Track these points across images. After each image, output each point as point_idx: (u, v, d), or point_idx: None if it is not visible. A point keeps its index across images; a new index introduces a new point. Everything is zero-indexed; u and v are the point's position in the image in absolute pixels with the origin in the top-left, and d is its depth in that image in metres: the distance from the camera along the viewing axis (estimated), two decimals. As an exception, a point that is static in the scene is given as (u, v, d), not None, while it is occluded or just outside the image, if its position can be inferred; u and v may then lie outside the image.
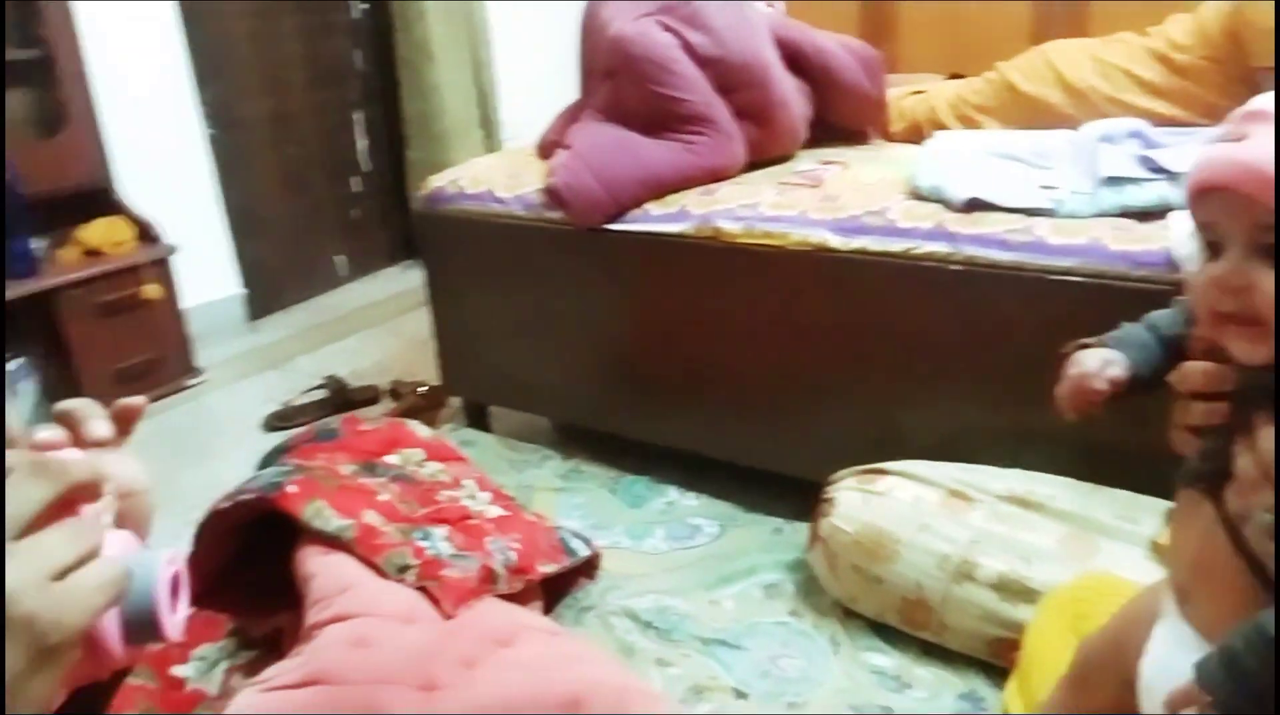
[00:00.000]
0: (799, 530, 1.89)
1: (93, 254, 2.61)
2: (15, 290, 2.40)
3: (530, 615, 1.36)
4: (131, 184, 2.75)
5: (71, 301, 2.50)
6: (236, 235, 3.21)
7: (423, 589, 1.28)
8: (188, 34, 2.97)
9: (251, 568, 1.48)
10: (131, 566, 0.50)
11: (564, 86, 2.86)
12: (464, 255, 2.22)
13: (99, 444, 0.59)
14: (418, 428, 1.79)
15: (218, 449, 2.49)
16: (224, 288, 3.18)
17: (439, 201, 2.21)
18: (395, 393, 2.65)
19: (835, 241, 1.74)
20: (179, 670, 1.41)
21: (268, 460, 1.67)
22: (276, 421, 2.58)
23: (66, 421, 0.60)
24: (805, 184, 1.92)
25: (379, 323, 3.36)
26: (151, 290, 2.63)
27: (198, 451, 2.47)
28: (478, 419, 2.43)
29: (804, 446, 1.90)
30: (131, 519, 0.62)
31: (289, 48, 3.42)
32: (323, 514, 1.34)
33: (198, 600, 1.44)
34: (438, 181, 2.22)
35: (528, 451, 2.30)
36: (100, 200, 2.67)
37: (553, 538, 1.64)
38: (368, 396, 2.71)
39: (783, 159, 2.15)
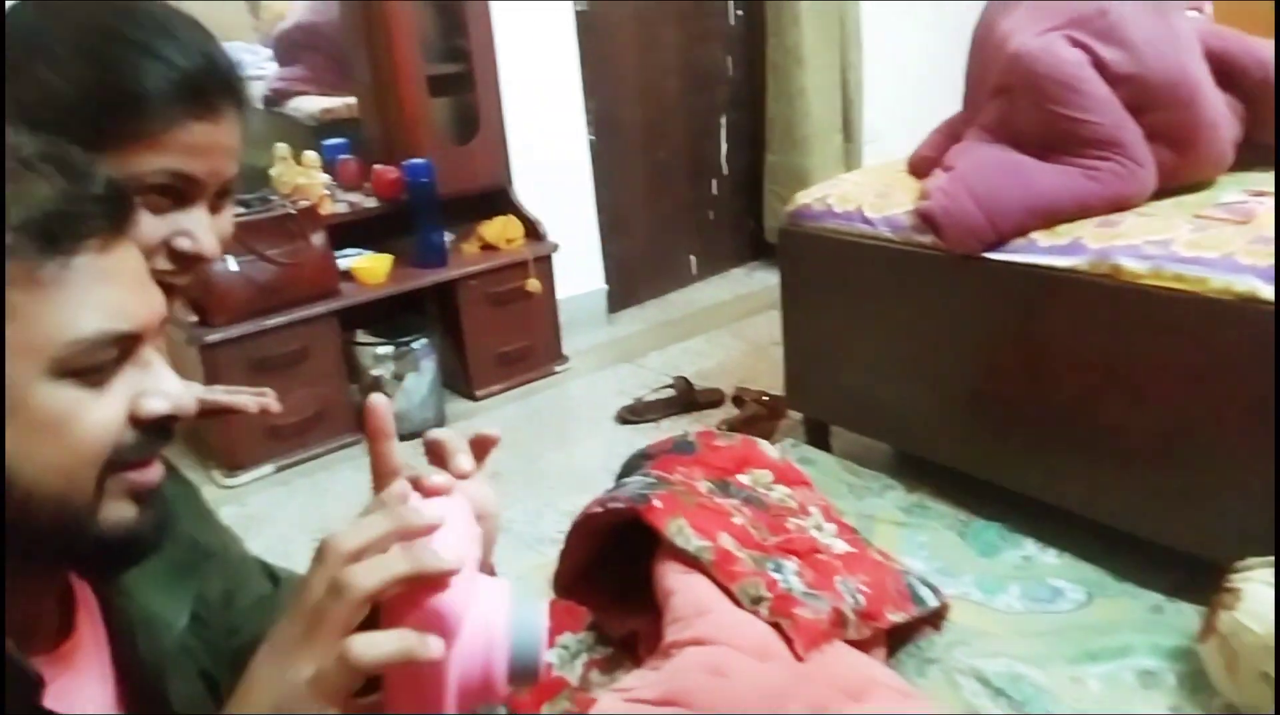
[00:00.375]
0: (1182, 612, 1.66)
1: (488, 248, 2.92)
2: (428, 278, 2.75)
3: (880, 669, 1.32)
4: (523, 186, 3.04)
5: (468, 291, 2.82)
6: (604, 234, 3.44)
7: (775, 625, 1.29)
8: (581, 45, 3.22)
9: (610, 566, 1.58)
10: (521, 617, 0.54)
11: (931, 92, 2.73)
12: (824, 272, 2.19)
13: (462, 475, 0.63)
14: (767, 449, 1.81)
15: (575, 436, 2.69)
16: (590, 282, 3.42)
17: (804, 218, 2.20)
18: (738, 400, 2.70)
19: (1267, 292, 1.50)
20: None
21: (630, 465, 1.77)
22: (628, 415, 2.74)
23: (435, 451, 0.64)
24: (1230, 219, 1.67)
25: (724, 324, 3.44)
26: (534, 284, 2.89)
27: (558, 436, 2.69)
28: (818, 437, 2.41)
29: (1195, 518, 1.66)
30: (485, 535, 0.65)
31: (667, 56, 3.59)
32: (684, 532, 1.38)
33: (564, 592, 1.57)
34: (805, 198, 2.22)
35: (868, 477, 2.23)
36: (499, 200, 2.98)
37: (900, 583, 1.57)
38: (712, 400, 2.79)
39: (1198, 186, 1.89)
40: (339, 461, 2.60)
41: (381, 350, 2.63)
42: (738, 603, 1.31)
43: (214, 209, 0.77)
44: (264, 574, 0.86)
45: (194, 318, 2.39)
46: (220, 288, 2.38)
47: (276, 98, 3.06)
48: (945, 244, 1.88)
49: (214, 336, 2.38)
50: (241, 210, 2.49)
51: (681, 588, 1.33)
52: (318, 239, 2.53)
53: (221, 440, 2.49)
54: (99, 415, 0.54)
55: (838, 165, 3.74)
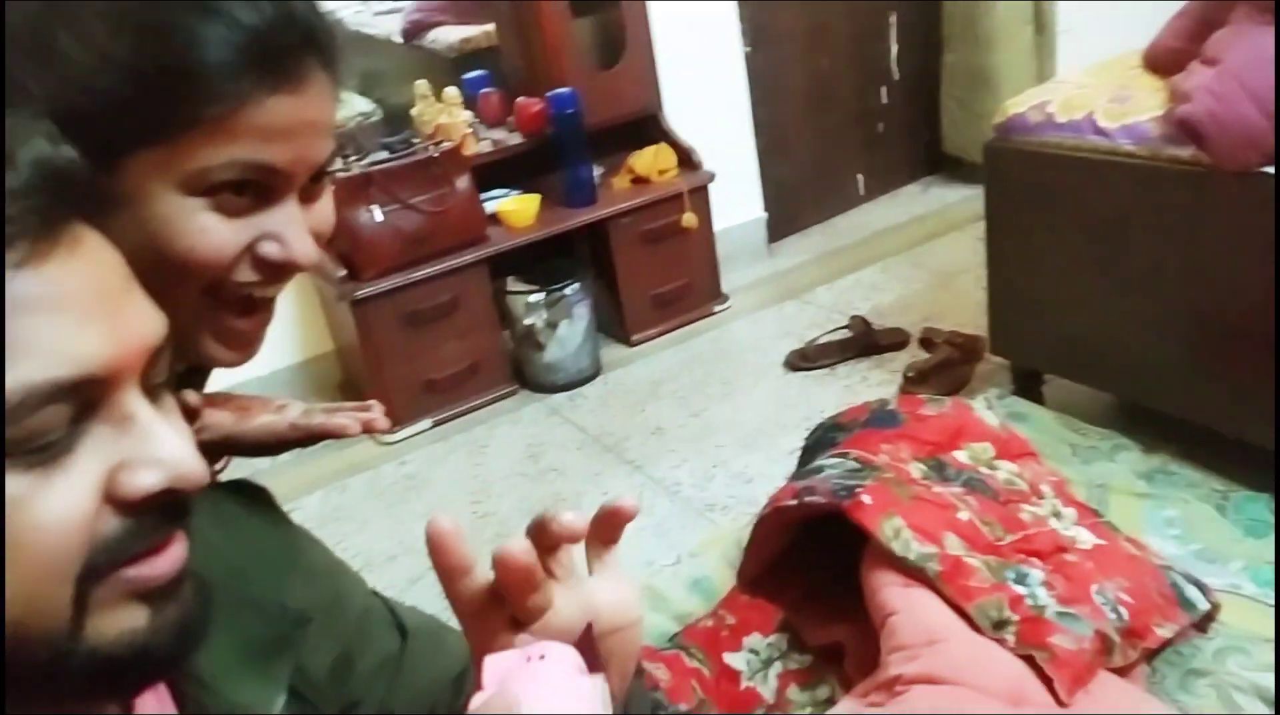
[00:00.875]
0: None
1: (639, 182, 2.69)
2: (577, 218, 2.56)
3: (1158, 708, 1.06)
4: (674, 110, 2.78)
5: (620, 229, 2.61)
6: (763, 157, 3.14)
7: (1028, 658, 1.04)
8: (733, -54, 2.89)
9: (805, 557, 1.37)
10: None
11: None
12: (1041, 194, 1.85)
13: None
14: (985, 414, 1.53)
15: (741, 384, 2.47)
16: (747, 211, 3.15)
17: (1017, 130, 1.85)
18: (926, 341, 2.40)
19: None
20: (731, 659, 1.35)
21: (818, 439, 1.53)
22: (799, 360, 2.49)
23: (541, 534, 0.49)
24: None
25: (900, 251, 3.10)
26: (689, 218, 2.65)
27: (723, 385, 2.47)
28: (1028, 387, 2.09)
29: None
30: (619, 654, 0.52)
31: (829, -51, 3.20)
32: (902, 535, 1.15)
33: (751, 586, 1.37)
34: (1017, 106, 1.86)
35: (1094, 436, 1.90)
36: (649, 128, 2.73)
37: (1162, 583, 1.29)
38: (895, 341, 2.50)
39: None
40: (495, 415, 2.48)
41: (533, 298, 2.47)
42: (976, 627, 1.07)
43: (306, 199, 0.60)
44: (390, 625, 0.70)
45: (343, 272, 2.29)
46: (368, 239, 2.27)
47: (414, 30, 2.89)
48: (1212, 157, 1.52)
49: (364, 291, 2.28)
50: (384, 155, 2.36)
51: (904, 607, 1.10)
52: (463, 183, 2.37)
53: (378, 396, 2.40)
54: (54, 506, 0.39)
55: (1027, 63, 3.28)
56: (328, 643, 0.63)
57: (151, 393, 0.43)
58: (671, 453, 2.20)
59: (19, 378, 0.37)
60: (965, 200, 3.38)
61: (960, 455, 1.41)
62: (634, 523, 1.85)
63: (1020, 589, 1.12)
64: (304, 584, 0.65)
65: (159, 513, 0.42)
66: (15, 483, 0.38)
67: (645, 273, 2.68)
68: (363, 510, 2.16)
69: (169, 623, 0.43)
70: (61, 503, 0.39)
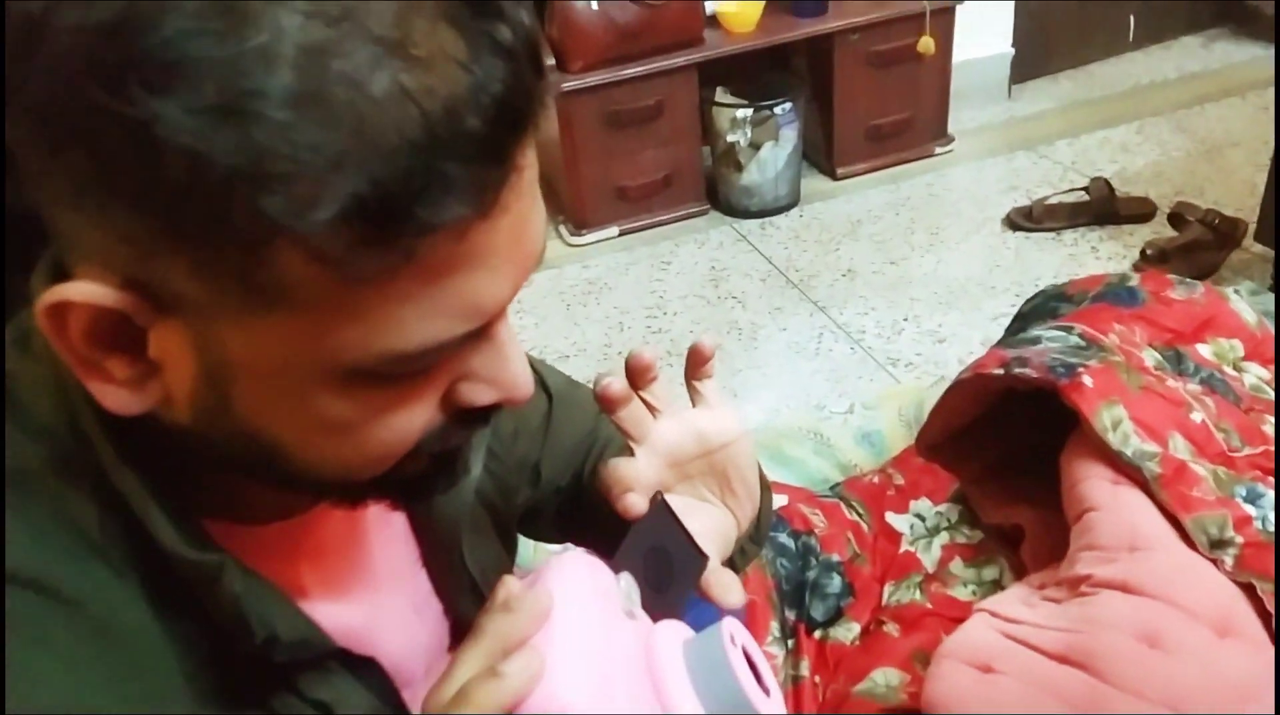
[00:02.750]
0: None
1: (878, -4, 2.42)
2: (802, 29, 2.35)
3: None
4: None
5: (847, 47, 2.38)
6: (1023, -19, 2.76)
7: (1247, 586, 0.92)
8: None
9: (995, 429, 1.26)
10: (696, 667, 0.45)
11: None
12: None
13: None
14: (1241, 307, 1.32)
15: (950, 236, 2.27)
16: (993, 44, 2.80)
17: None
18: (1177, 216, 2.10)
19: None
20: (894, 520, 1.29)
21: (1038, 307, 1.37)
22: (1021, 219, 2.26)
23: (635, 372, 0.54)
24: None
25: (1164, 111, 2.71)
26: (926, 44, 2.38)
27: (929, 235, 2.28)
28: (1294, 285, 1.81)
29: None
30: (732, 467, 0.57)
31: None
32: (1121, 427, 1.02)
33: (929, 451, 1.28)
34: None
35: (1363, 351, 1.64)
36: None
37: None
38: (1138, 212, 2.21)
39: None
40: (682, 233, 2.41)
41: (740, 113, 2.32)
42: (1190, 543, 0.95)
43: None
44: (540, 387, 0.69)
45: (551, 61, 2.21)
46: (580, 28, 2.16)
47: None
48: None
49: (570, 84, 2.20)
50: (605, -62, 2.21)
51: (1109, 504, 0.98)
52: (686, -24, 2.20)
53: (571, 196, 2.38)
54: (405, 418, 0.40)
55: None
56: (510, 412, 0.65)
57: None
58: (860, 299, 2.08)
59: (425, 334, 0.36)
60: (1255, 61, 2.89)
61: (1204, 349, 1.23)
62: (808, 364, 1.78)
63: (1250, 508, 0.98)
64: None
65: (480, 416, 0.43)
66: (378, 397, 0.38)
67: (865, 99, 2.46)
68: (543, 307, 2.18)
69: (441, 470, 0.46)
70: (410, 415, 0.40)
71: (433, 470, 0.45)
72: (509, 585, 0.45)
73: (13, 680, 0.37)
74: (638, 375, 0.54)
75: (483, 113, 0.33)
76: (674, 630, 0.47)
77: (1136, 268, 2.03)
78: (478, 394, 0.42)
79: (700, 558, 0.54)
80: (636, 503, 0.51)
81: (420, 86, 0.32)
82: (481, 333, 0.40)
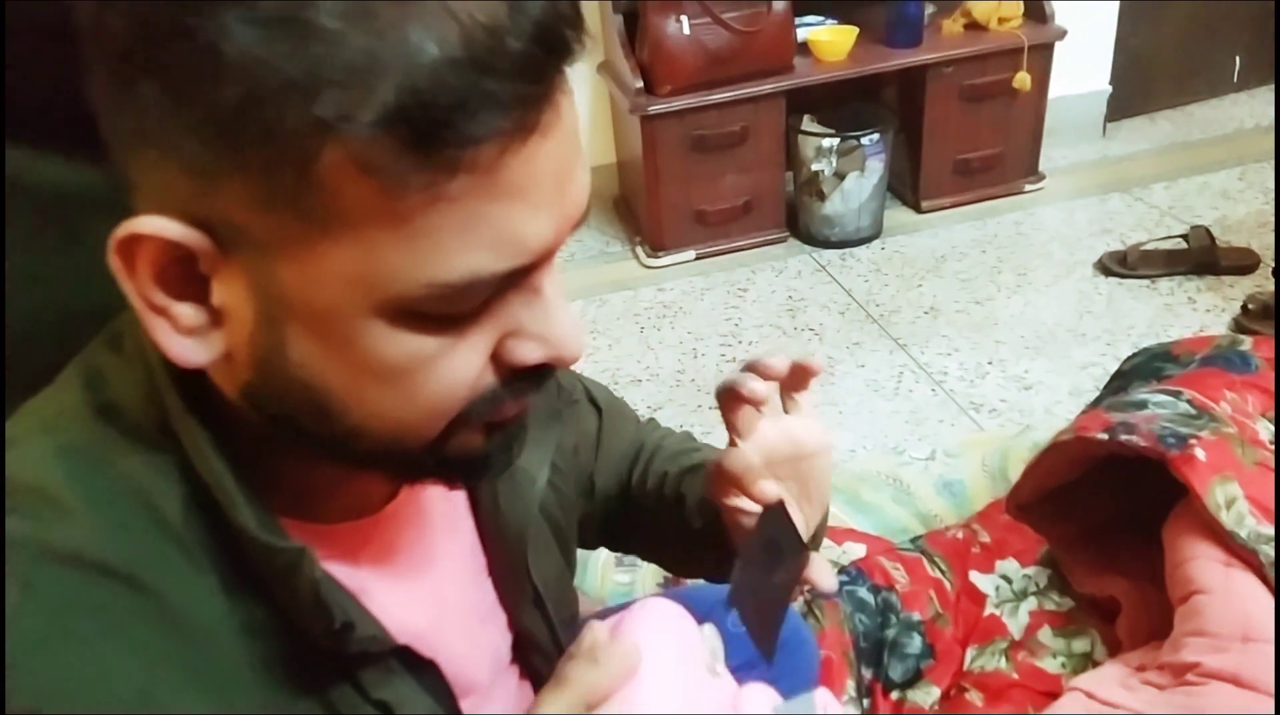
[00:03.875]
0: None
1: (974, 28, 2.37)
2: (894, 60, 2.31)
3: None
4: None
5: (940, 80, 2.33)
6: (1124, 20, 2.67)
7: (1369, 689, 0.86)
8: None
9: (1090, 492, 1.21)
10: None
11: None
12: None
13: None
14: (1362, 377, 1.25)
15: (1038, 278, 2.21)
16: (1090, 81, 2.73)
17: None
18: (1282, 271, 2.01)
19: None
20: (979, 579, 1.24)
21: (1139, 366, 1.32)
22: (1114, 264, 2.18)
23: (758, 369, 0.57)
24: None
25: (1268, 157, 2.60)
26: (1023, 79, 2.32)
27: (1016, 275, 2.22)
28: None
29: None
30: (814, 479, 0.61)
31: None
32: (1236, 507, 0.97)
33: (1020, 511, 1.23)
34: None
35: None
36: (999, -34, 2.37)
37: None
38: (1240, 263, 2.12)
39: None
40: (760, 259, 2.38)
41: (826, 142, 2.29)
42: (1308, 637, 0.89)
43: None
44: (590, 402, 0.73)
45: (639, 83, 2.21)
46: (670, 52, 2.16)
47: None
48: None
49: (657, 107, 2.19)
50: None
51: (1219, 588, 0.93)
52: (780, 3, 2.17)
53: (650, 217, 2.37)
54: (454, 367, 0.40)
55: None
56: (573, 427, 0.68)
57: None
58: (943, 338, 2.03)
59: (469, 265, 0.37)
60: (1371, 107, 2.76)
61: (1321, 423, 1.17)
62: (887, 406, 1.77)
63: (1376, 604, 0.92)
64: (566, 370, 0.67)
65: (535, 376, 0.43)
66: (428, 343, 0.39)
67: (956, 133, 2.41)
68: (617, 328, 2.17)
69: (496, 446, 0.46)
70: (460, 363, 0.40)
71: (488, 447, 0.45)
72: (596, 633, 0.46)
73: (85, 668, 0.38)
74: (800, 378, 0.58)
75: (521, 34, 0.34)
76: (763, 695, 0.48)
77: (1237, 322, 1.94)
78: (527, 351, 0.42)
79: (805, 549, 0.57)
80: (772, 488, 0.55)
81: (462, 6, 0.34)
82: (527, 283, 0.40)
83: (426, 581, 0.53)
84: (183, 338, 0.39)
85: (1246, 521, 0.96)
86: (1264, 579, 0.93)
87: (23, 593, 0.38)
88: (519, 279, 0.40)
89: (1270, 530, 0.96)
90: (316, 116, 0.33)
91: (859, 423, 1.83)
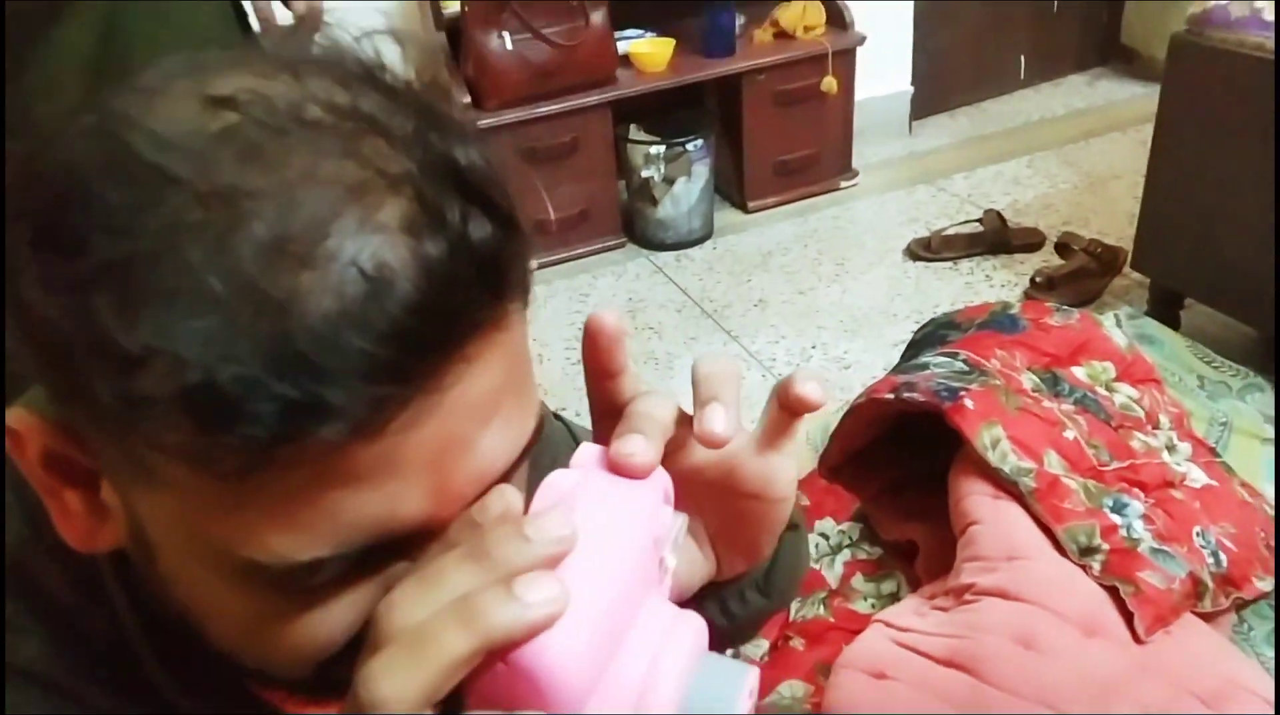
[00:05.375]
0: None
1: (783, 37, 2.53)
2: (711, 69, 2.44)
3: (1244, 665, 1.01)
4: (832, -39, 2.58)
5: (754, 86, 2.48)
6: (919, 25, 2.91)
7: (1111, 589, 1.00)
8: None
9: (891, 450, 1.33)
10: (702, 686, 0.35)
11: None
12: (1226, 102, 1.66)
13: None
14: (1113, 332, 1.43)
15: (855, 267, 2.37)
16: (893, 83, 2.95)
17: (1215, 25, 1.64)
18: (1064, 246, 2.24)
19: None
20: (801, 539, 1.34)
21: (929, 335, 1.46)
22: (920, 249, 2.37)
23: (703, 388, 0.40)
24: None
25: (1053, 145, 2.88)
26: (829, 83, 2.50)
27: (835, 265, 2.38)
28: (1166, 311, 1.94)
29: None
30: (734, 522, 0.45)
31: None
32: (1000, 446, 1.10)
33: (831, 473, 1.34)
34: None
35: (1227, 371, 1.77)
36: (801, -22, 2.55)
37: (1270, 534, 1.21)
38: (1028, 242, 2.35)
39: None
40: (601, 265, 2.47)
41: (654, 149, 2.39)
42: (1062, 551, 1.03)
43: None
44: (569, 439, 0.64)
45: (467, 99, 2.26)
46: (494, 67, 2.22)
47: None
48: None
49: (486, 121, 2.24)
50: (521, -21, 2.27)
51: (989, 518, 1.06)
52: (598, 17, 2.27)
53: (488, 230, 2.42)
54: (314, 629, 0.35)
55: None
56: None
57: None
58: (771, 328, 2.16)
59: (292, 551, 0.31)
60: (1135, 99, 3.09)
61: (1078, 371, 1.33)
62: None
63: (1116, 518, 1.06)
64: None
65: None
66: (274, 597, 0.34)
67: (773, 136, 2.56)
68: (462, 339, 2.20)
69: None
70: (320, 623, 0.34)
71: None
72: (507, 497, 0.35)
73: None
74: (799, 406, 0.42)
75: (369, 332, 0.29)
76: (695, 636, 0.37)
77: (1027, 294, 2.15)
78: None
79: None
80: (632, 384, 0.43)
81: (303, 287, 0.28)
82: (408, 546, 0.34)
83: None
84: (73, 524, 0.36)
85: (1009, 458, 1.09)
86: (1025, 506, 1.06)
87: None
88: (398, 551, 0.34)
89: (1030, 464, 1.09)
90: (121, 389, 0.29)
91: (697, 411, 1.92)
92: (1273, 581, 1.15)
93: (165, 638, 0.40)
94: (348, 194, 0.30)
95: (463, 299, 0.31)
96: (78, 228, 0.29)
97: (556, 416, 0.67)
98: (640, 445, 0.37)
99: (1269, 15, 1.56)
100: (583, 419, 0.52)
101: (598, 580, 0.33)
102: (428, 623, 0.30)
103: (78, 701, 0.40)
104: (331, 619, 0.35)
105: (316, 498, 0.31)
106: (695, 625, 0.36)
